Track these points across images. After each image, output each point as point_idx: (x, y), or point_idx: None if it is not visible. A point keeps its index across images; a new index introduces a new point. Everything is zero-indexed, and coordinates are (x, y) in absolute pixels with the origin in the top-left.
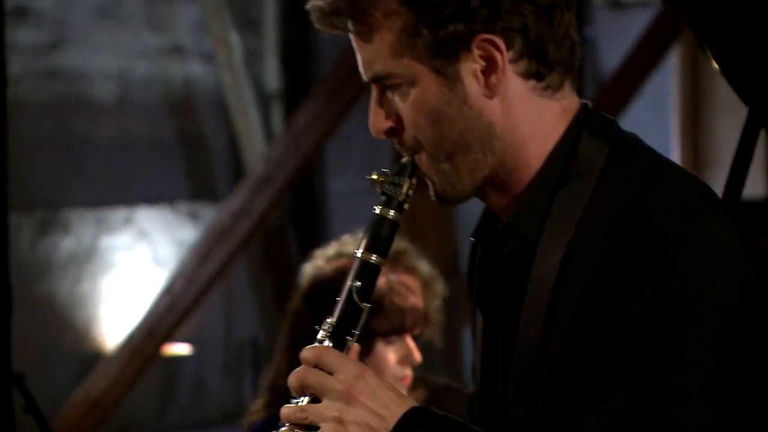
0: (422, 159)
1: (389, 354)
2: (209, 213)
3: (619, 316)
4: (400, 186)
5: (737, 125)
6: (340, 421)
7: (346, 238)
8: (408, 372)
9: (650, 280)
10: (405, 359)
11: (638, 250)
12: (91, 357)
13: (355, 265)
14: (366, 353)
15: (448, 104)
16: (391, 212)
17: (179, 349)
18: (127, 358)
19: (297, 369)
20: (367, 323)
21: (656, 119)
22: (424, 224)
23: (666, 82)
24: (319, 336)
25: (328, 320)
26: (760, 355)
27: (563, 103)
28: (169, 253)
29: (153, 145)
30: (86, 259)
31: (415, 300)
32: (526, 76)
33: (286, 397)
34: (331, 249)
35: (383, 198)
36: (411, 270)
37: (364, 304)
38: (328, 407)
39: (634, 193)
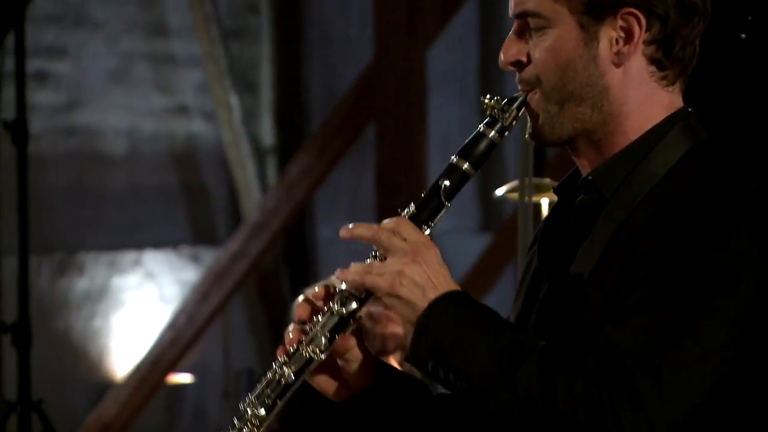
0: (535, 96)
1: None
2: (210, 256)
3: (668, 258)
4: (507, 113)
5: None
6: (400, 273)
7: (333, 278)
8: None
9: (702, 241)
10: None
11: (702, 215)
12: (102, 385)
13: (448, 165)
14: None
15: (580, 57)
16: (493, 132)
17: (182, 378)
18: (135, 386)
19: (373, 226)
20: None
21: None
22: None
23: None
24: (402, 213)
25: (411, 206)
26: (764, 341)
27: (671, 97)
28: (173, 292)
29: (159, 194)
30: (99, 297)
31: (395, 328)
32: (651, 60)
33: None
34: (319, 287)
35: (488, 119)
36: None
37: (447, 203)
38: (393, 262)
39: (705, 173)
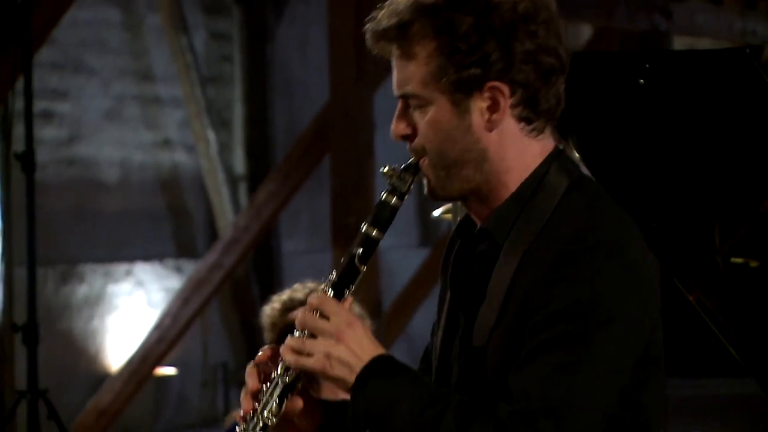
0: (425, 163)
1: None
2: (190, 267)
3: (553, 306)
4: (405, 181)
5: None
6: (327, 356)
7: (296, 285)
8: None
9: (578, 287)
10: None
11: (575, 261)
12: (99, 377)
13: (359, 235)
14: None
15: (456, 128)
16: (394, 199)
17: (167, 370)
18: (127, 377)
19: (302, 308)
20: None
21: None
22: None
23: None
24: (321, 287)
25: (330, 276)
26: (646, 356)
27: (543, 144)
28: (159, 298)
29: (147, 215)
30: (96, 302)
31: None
32: (519, 119)
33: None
34: (284, 294)
35: (390, 187)
36: None
37: (362, 267)
38: (321, 343)
39: (580, 219)
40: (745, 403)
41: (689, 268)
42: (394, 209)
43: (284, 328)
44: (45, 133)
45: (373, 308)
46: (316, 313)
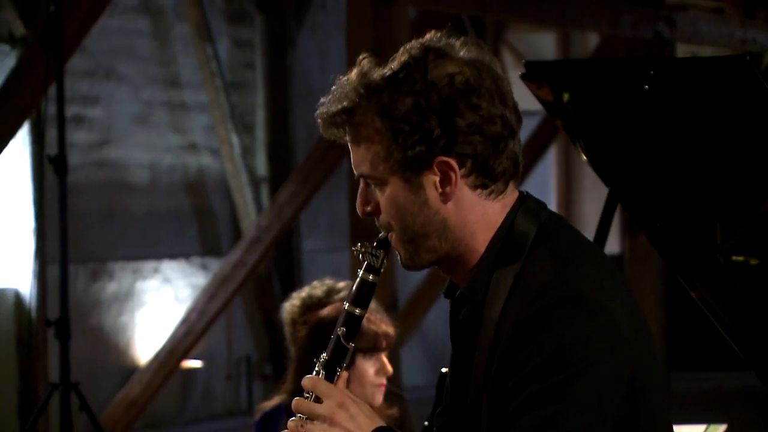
0: (393, 237)
1: (368, 367)
2: (215, 264)
3: (529, 365)
4: (377, 257)
5: (600, 201)
6: None
7: (315, 283)
8: (383, 381)
9: (547, 342)
10: (380, 371)
11: (542, 318)
12: (128, 369)
13: (342, 315)
14: (349, 366)
15: (413, 204)
16: (371, 276)
17: (193, 363)
18: (155, 370)
19: (296, 398)
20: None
21: (540, 198)
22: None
23: (547, 171)
24: (316, 368)
25: (323, 355)
26: (632, 390)
27: (504, 201)
28: (185, 294)
29: (174, 215)
30: (125, 298)
31: (387, 327)
32: (474, 187)
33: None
34: (303, 291)
35: (366, 264)
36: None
37: (350, 344)
38: (317, 427)
39: (545, 273)
40: (746, 395)
41: (692, 266)
42: (373, 286)
43: (314, 327)
44: (77, 137)
45: (389, 306)
46: (311, 396)
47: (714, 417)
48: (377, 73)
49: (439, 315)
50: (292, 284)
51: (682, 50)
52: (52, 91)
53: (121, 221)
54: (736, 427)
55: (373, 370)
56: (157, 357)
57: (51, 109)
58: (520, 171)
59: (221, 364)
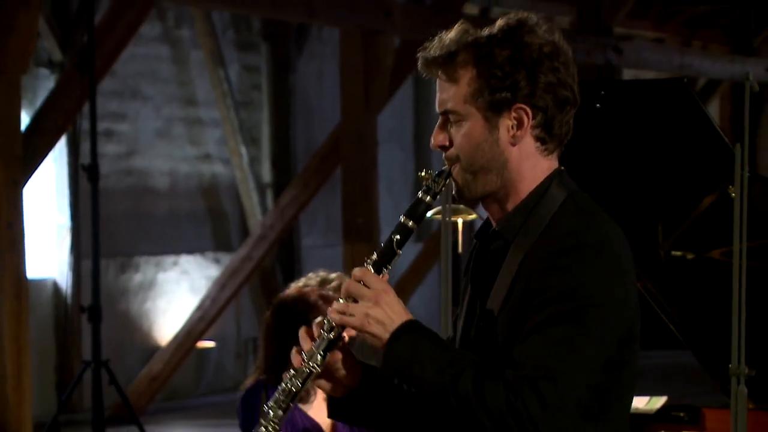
0: (456, 169)
1: None
2: (226, 259)
3: (550, 291)
4: (438, 183)
5: None
6: (366, 315)
7: (311, 274)
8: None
9: (571, 274)
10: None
11: (568, 255)
12: (151, 349)
13: (398, 224)
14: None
15: (485, 140)
16: (428, 197)
17: (207, 344)
18: (174, 349)
19: (348, 281)
20: (310, 322)
21: None
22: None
23: None
24: (365, 264)
25: (372, 256)
26: (629, 335)
27: (550, 162)
28: (201, 284)
29: (191, 216)
30: (149, 288)
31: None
32: (537, 138)
33: (267, 374)
34: (300, 281)
35: (425, 188)
36: None
37: (399, 251)
38: (362, 306)
39: (572, 222)
40: (682, 371)
41: (637, 260)
42: (428, 206)
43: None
44: (107, 148)
45: None
46: (360, 283)
47: (655, 390)
48: (476, 33)
49: (420, 302)
50: (292, 275)
51: (628, 74)
52: (85, 109)
53: (145, 221)
54: (675, 399)
55: None
56: (176, 338)
57: (85, 125)
58: (565, 141)
59: (231, 345)
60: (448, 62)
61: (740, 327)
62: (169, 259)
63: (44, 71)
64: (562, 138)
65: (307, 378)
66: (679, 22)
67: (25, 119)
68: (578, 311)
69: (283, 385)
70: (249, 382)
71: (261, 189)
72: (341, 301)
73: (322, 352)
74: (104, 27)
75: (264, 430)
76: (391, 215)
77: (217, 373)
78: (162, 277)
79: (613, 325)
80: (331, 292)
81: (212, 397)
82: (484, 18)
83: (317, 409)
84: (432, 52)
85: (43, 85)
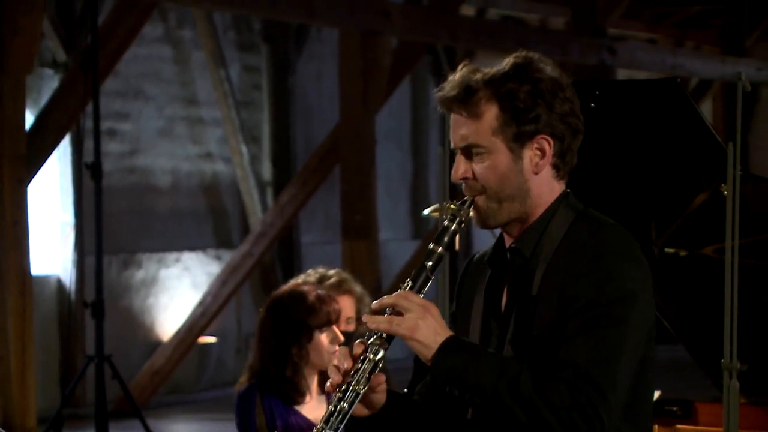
0: (481, 199)
1: (323, 338)
2: (228, 255)
3: (588, 296)
4: (462, 211)
5: None
6: (416, 323)
7: (310, 271)
8: (336, 348)
9: (607, 279)
10: (334, 340)
11: (599, 262)
12: (154, 344)
13: (428, 250)
14: (308, 341)
15: (511, 170)
16: (454, 225)
17: (208, 339)
18: (176, 344)
19: (400, 293)
20: (306, 322)
21: None
22: (360, 266)
23: None
24: (402, 287)
25: (407, 281)
26: (650, 335)
27: (560, 186)
28: (202, 280)
29: (193, 214)
30: (151, 284)
31: (336, 305)
32: (553, 166)
33: (262, 375)
34: (299, 278)
35: (450, 216)
36: (348, 291)
37: (431, 276)
38: (412, 316)
39: (595, 234)
40: (676, 366)
41: None
42: (455, 232)
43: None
44: (110, 147)
45: (374, 290)
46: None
47: None
48: (489, 71)
49: None
50: (291, 272)
51: (622, 74)
52: (89, 108)
53: (147, 218)
54: (668, 393)
55: (328, 340)
56: (178, 333)
57: (88, 124)
58: (570, 170)
59: (232, 340)
60: (467, 100)
61: (732, 323)
62: (171, 255)
63: (48, 71)
64: (571, 165)
65: (354, 400)
66: (671, 23)
67: (29, 118)
68: (617, 314)
69: (332, 407)
70: (243, 381)
71: (261, 187)
72: (382, 315)
73: (368, 375)
74: (107, 28)
75: None
76: (388, 213)
77: (218, 368)
78: (164, 273)
79: (642, 324)
80: (325, 291)
81: (213, 392)
82: (480, 19)
83: (311, 409)
84: (450, 91)
85: (47, 84)
